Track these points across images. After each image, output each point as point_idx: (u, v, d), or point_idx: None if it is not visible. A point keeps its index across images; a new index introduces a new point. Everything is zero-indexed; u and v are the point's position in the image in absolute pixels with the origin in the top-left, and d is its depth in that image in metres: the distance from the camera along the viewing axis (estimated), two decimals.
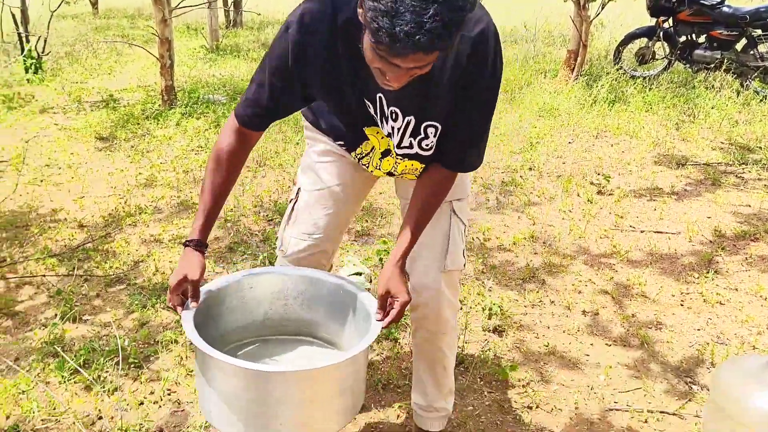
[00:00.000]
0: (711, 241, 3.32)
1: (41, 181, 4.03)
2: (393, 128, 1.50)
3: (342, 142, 1.67)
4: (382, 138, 1.57)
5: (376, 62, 1.22)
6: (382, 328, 1.49)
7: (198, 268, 1.50)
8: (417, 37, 1.10)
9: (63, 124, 5.31)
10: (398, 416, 2.06)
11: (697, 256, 3.15)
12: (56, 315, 2.58)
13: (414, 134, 1.50)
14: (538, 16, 10.42)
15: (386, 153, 1.60)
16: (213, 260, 3.07)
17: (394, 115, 1.48)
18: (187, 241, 1.54)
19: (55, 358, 2.32)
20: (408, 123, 1.48)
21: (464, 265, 1.75)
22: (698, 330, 2.55)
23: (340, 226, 1.82)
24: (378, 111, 1.49)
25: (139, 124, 5.24)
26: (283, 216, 1.84)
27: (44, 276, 2.87)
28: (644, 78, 6.69)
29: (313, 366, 1.46)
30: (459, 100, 1.44)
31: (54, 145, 4.71)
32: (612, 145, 4.80)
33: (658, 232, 3.41)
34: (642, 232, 3.41)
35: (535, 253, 3.17)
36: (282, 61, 1.41)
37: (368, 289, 2.75)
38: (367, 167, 1.68)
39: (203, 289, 1.56)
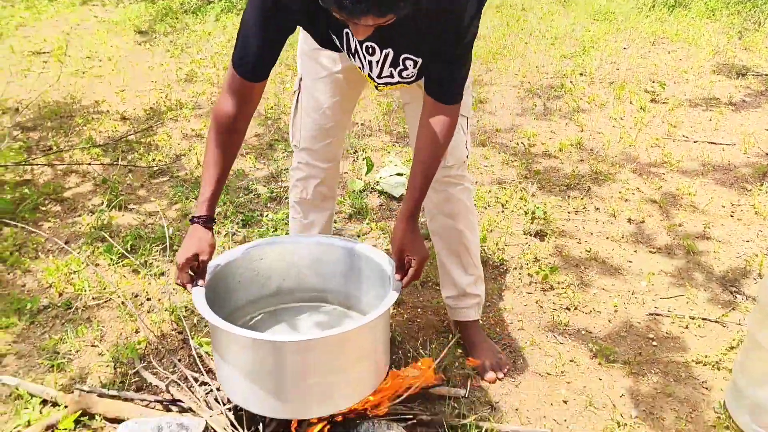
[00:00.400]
0: (767, 154, 3.17)
1: (83, 72, 4.03)
2: (371, 62, 1.47)
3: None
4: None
5: (336, 16, 1.17)
6: (403, 287, 1.45)
7: (208, 247, 1.44)
8: (362, 5, 1.08)
9: (102, 16, 5.26)
10: (435, 312, 2.08)
11: (752, 168, 3.01)
12: (103, 202, 2.64)
13: (394, 65, 1.46)
14: None
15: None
16: (254, 156, 3.07)
17: (370, 49, 1.44)
18: (194, 217, 1.45)
19: (103, 242, 2.39)
20: (386, 55, 1.44)
21: (467, 156, 1.75)
22: (747, 242, 2.47)
23: (346, 111, 1.81)
24: (344, 45, 1.46)
25: (177, 18, 5.15)
26: (291, 109, 1.81)
27: (90, 164, 2.91)
28: None
29: (330, 333, 1.38)
30: (441, 40, 1.38)
31: (94, 37, 4.68)
32: (669, 53, 4.54)
33: (712, 142, 3.26)
34: (695, 142, 3.27)
35: (581, 161, 3.07)
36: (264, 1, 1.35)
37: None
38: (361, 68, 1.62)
39: (212, 263, 1.49)
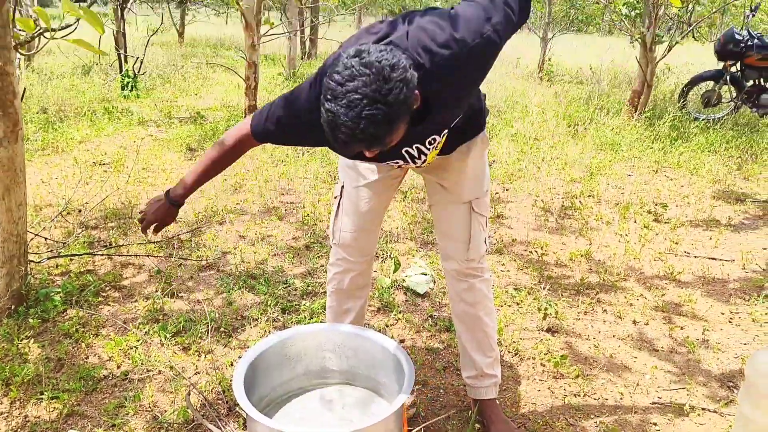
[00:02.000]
0: (765, 270, 3.42)
1: (139, 182, 4.49)
2: (429, 149, 1.77)
3: None
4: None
5: None
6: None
7: (171, 220, 1.94)
8: (352, 145, 1.38)
9: (156, 135, 5.85)
10: (456, 392, 2.29)
11: (749, 282, 3.26)
12: (157, 290, 2.95)
13: (431, 143, 1.77)
14: (604, 58, 10.62)
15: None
16: (291, 255, 3.39)
17: (433, 141, 1.75)
18: (170, 193, 1.88)
19: (157, 323, 2.67)
20: (445, 135, 1.76)
21: (486, 251, 2.03)
22: (745, 344, 2.67)
23: (380, 213, 2.11)
24: (409, 158, 1.78)
25: None
26: (332, 212, 2.15)
27: (147, 256, 3.25)
28: (708, 120, 6.77)
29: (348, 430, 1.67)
30: (460, 92, 1.62)
31: (149, 152, 5.21)
32: (671, 179, 4.93)
33: (711, 258, 3.53)
34: (696, 257, 3.55)
35: (590, 270, 3.35)
36: (298, 113, 1.59)
37: (431, 289, 3.01)
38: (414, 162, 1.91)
39: (253, 350, 1.81)
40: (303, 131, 1.64)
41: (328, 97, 1.32)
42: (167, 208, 1.90)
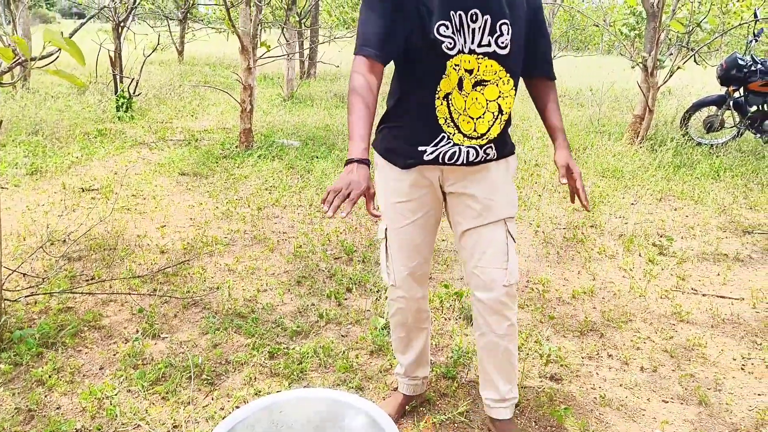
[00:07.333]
0: None
1: (128, 209, 4.36)
2: (473, 29, 1.72)
3: (421, 145, 1.84)
4: (456, 66, 1.74)
5: None
6: (585, 203, 1.88)
7: (367, 183, 1.52)
8: None
9: (149, 158, 5.72)
10: (474, 402, 2.14)
11: (761, 323, 3.11)
12: (138, 331, 2.79)
13: (491, 32, 1.73)
14: (604, 81, 10.55)
15: (460, 85, 1.76)
16: (282, 291, 3.24)
17: (474, 16, 1.72)
18: (351, 158, 1.55)
19: (135, 369, 2.51)
20: (486, 22, 1.71)
21: (517, 281, 1.95)
22: (759, 395, 2.52)
23: (430, 245, 2.05)
24: (456, 25, 1.71)
25: (217, 162, 5.59)
26: (381, 254, 2.06)
27: (129, 294, 3.10)
28: (711, 146, 6.66)
29: None
30: (530, 6, 1.80)
31: (140, 177, 5.08)
32: (675, 209, 4.80)
33: (720, 296, 3.39)
34: (704, 295, 3.40)
35: (594, 308, 3.20)
36: None
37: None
38: (451, 142, 1.82)
39: (234, 416, 1.58)
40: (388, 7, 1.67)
41: None
42: (358, 170, 1.52)
